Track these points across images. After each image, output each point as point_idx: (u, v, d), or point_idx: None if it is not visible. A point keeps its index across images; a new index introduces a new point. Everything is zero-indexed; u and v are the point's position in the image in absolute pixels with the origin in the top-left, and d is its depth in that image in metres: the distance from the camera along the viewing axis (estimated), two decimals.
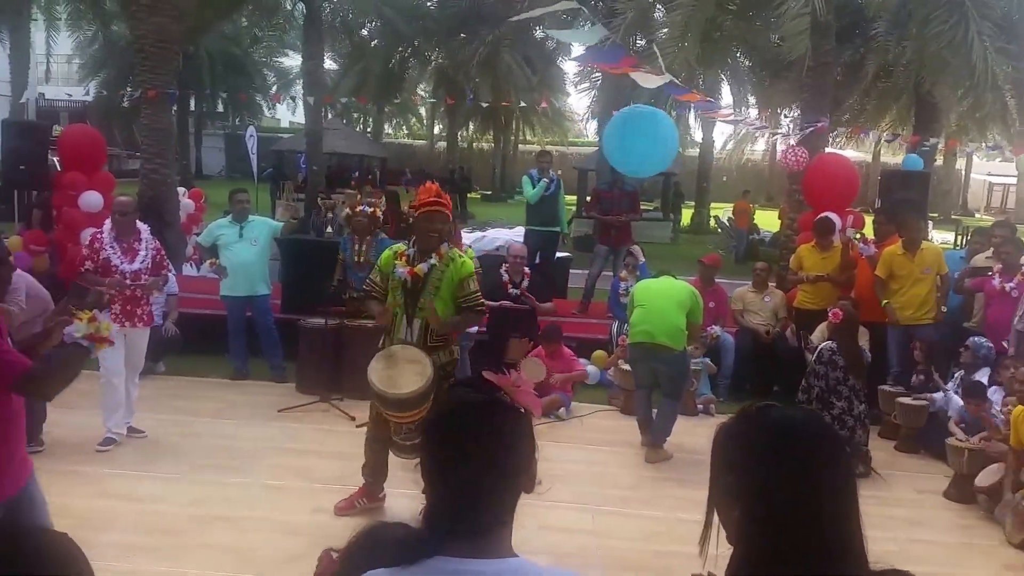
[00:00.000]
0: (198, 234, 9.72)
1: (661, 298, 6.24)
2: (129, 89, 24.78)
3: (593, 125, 27.79)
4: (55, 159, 9.94)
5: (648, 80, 8.74)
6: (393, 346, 4.75)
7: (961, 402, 6.42)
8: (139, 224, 6.09)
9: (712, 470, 1.40)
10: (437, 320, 4.73)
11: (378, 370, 4.59)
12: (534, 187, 9.67)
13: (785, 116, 21.23)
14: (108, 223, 6.12)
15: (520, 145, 38.68)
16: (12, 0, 20.25)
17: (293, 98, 24.21)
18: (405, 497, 4.85)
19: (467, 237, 11.04)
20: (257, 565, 4.30)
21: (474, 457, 1.32)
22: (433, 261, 4.77)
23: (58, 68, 29.83)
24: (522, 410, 1.37)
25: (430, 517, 1.35)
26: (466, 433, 1.34)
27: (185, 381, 7.28)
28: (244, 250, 7.53)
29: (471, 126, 36.07)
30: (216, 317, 7.81)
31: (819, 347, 6.21)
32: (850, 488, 1.31)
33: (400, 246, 4.97)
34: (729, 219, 21.48)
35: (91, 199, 8.68)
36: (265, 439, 6.24)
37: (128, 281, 5.88)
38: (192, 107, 31.10)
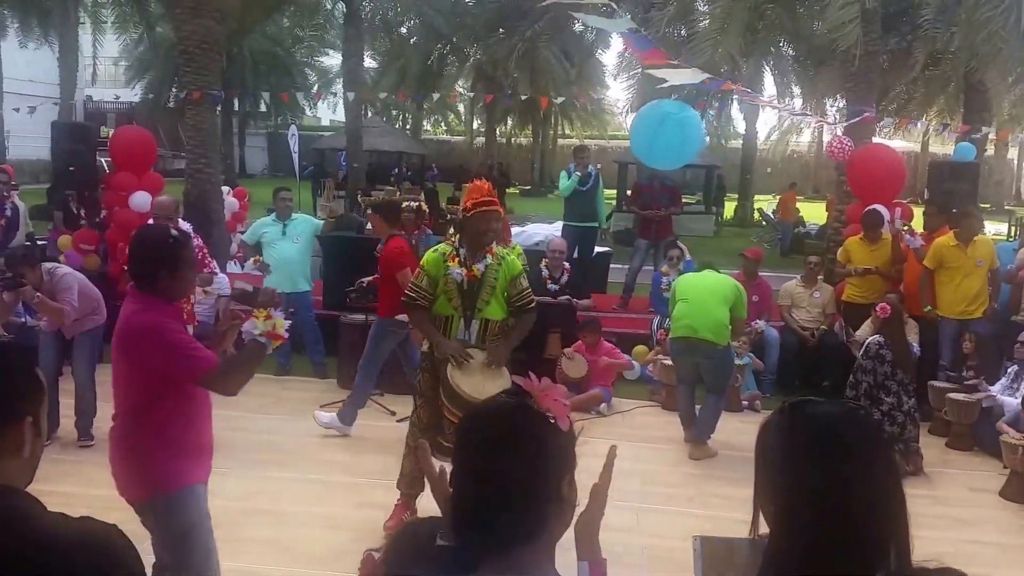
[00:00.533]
0: (243, 232, 9.86)
1: (704, 292, 6.17)
2: (174, 90, 25.32)
3: (632, 118, 27.60)
4: (103, 160, 10.16)
5: (676, 75, 8.63)
6: (468, 350, 4.57)
7: (1015, 402, 6.23)
8: (182, 224, 6.13)
9: (756, 467, 1.38)
10: (499, 354, 4.56)
11: (463, 379, 4.42)
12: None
13: (831, 106, 20.89)
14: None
15: (559, 140, 38.59)
16: (60, 4, 20.75)
17: (334, 93, 24.43)
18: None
19: None
20: (303, 559, 4.35)
21: (497, 464, 1.29)
22: (489, 260, 4.61)
23: (105, 70, 30.43)
24: (552, 419, 1.33)
25: (456, 524, 1.33)
26: (490, 438, 1.32)
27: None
28: (287, 247, 7.63)
29: (509, 121, 36.06)
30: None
31: (866, 342, 6.12)
32: (890, 487, 1.27)
33: (444, 247, 4.73)
34: (773, 211, 21.18)
35: (141, 199, 8.86)
36: (308, 434, 6.31)
37: None
38: (236, 107, 31.59)
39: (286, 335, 3.07)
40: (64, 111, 19.47)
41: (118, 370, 3.00)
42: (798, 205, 20.43)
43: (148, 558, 2.88)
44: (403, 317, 5.78)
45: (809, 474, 1.25)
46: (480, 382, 4.42)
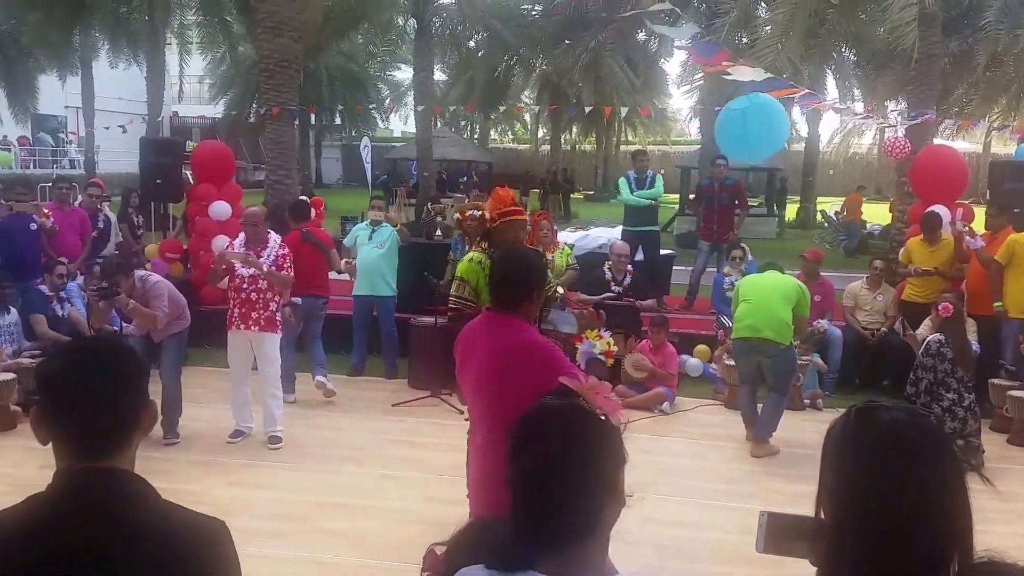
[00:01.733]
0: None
1: (766, 291, 6.17)
2: (255, 106, 26.19)
3: (696, 124, 27.51)
4: (188, 173, 10.62)
5: (744, 72, 8.75)
6: None
7: None
8: (272, 234, 6.27)
9: (821, 469, 1.38)
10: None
11: None
12: (632, 188, 9.68)
13: (892, 110, 20.64)
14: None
15: (622, 146, 38.58)
16: (148, 26, 21.72)
17: (405, 105, 24.87)
18: None
19: (571, 236, 11.17)
20: (373, 550, 4.53)
21: (552, 463, 1.32)
22: None
23: (190, 89, 31.72)
24: (602, 416, 1.37)
25: (513, 524, 1.35)
26: (545, 439, 1.35)
27: (308, 377, 7.68)
28: (370, 252, 7.95)
29: (574, 129, 36.23)
30: (340, 317, 8.18)
31: (927, 340, 6.09)
32: (956, 493, 1.26)
33: (476, 255, 4.70)
34: (836, 213, 20.91)
35: (220, 208, 9.25)
36: (380, 432, 6.55)
37: (245, 284, 6.06)
38: (312, 121, 32.46)
39: (615, 349, 3.23)
40: (152, 127, 20.34)
41: (498, 389, 2.96)
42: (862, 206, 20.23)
43: None
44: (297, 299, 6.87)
45: (875, 479, 1.25)
46: None
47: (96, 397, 1.42)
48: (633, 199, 9.66)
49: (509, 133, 45.87)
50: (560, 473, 1.31)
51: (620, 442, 1.38)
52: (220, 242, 9.22)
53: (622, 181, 9.88)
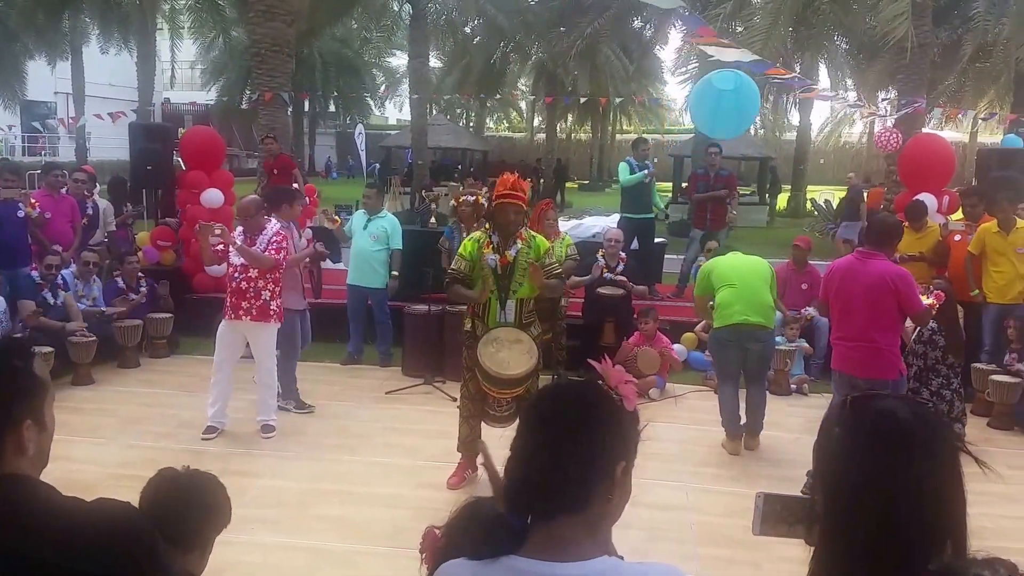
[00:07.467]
0: (311, 228, 10.16)
1: (748, 275, 5.95)
2: (247, 92, 26.08)
3: (689, 114, 27.67)
4: (179, 159, 10.51)
5: (725, 54, 8.79)
6: (494, 330, 5.01)
7: None
8: (270, 221, 6.09)
9: (814, 460, 1.37)
10: (539, 279, 4.94)
11: (490, 354, 4.88)
12: (632, 174, 9.69)
13: (882, 99, 20.83)
14: None
15: (617, 135, 38.58)
16: (139, 11, 21.55)
17: (400, 96, 24.84)
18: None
19: (565, 225, 11.15)
20: (365, 536, 4.54)
21: (557, 432, 1.32)
22: (519, 245, 5.02)
23: (182, 75, 31.51)
24: (618, 401, 1.37)
25: (509, 498, 1.35)
26: (556, 410, 1.36)
27: (303, 366, 7.67)
28: (362, 241, 7.89)
29: (570, 118, 36.21)
30: (333, 306, 8.14)
31: (919, 327, 6.12)
32: (952, 484, 1.25)
33: (479, 234, 5.17)
34: (826, 201, 21.10)
35: (212, 196, 9.19)
36: (374, 419, 6.55)
37: (236, 273, 5.94)
38: (306, 108, 32.33)
39: None
40: (143, 114, 20.23)
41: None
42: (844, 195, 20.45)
43: None
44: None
45: (871, 470, 1.24)
46: (505, 359, 4.86)
47: None
48: (635, 177, 9.63)
49: (505, 121, 45.80)
50: (561, 441, 1.31)
51: (632, 430, 1.38)
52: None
53: (623, 165, 9.87)
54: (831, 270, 5.32)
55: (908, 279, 5.01)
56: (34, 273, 7.47)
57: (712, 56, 8.99)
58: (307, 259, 6.73)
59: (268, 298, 6.00)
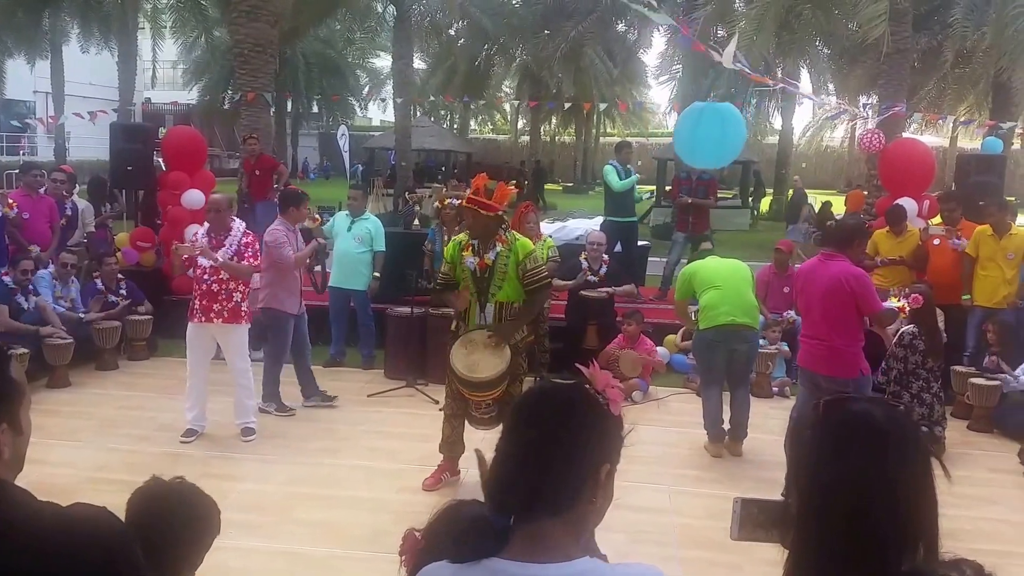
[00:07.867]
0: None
1: (731, 277, 6.03)
2: (230, 92, 25.91)
3: (673, 117, 27.90)
4: (160, 160, 10.41)
5: (725, 56, 8.96)
6: (471, 332, 5.01)
7: None
8: (235, 221, 6.07)
9: (788, 462, 1.38)
10: (504, 332, 4.95)
11: (461, 356, 4.91)
12: (620, 177, 9.72)
13: (864, 104, 21.14)
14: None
15: (601, 138, 38.69)
16: (119, 10, 21.36)
17: (383, 100, 24.76)
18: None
19: (548, 227, 11.17)
20: (345, 540, 4.51)
21: (541, 432, 1.33)
22: (499, 248, 5.00)
23: (164, 74, 31.30)
24: (605, 405, 1.37)
25: (492, 488, 1.37)
26: (542, 410, 1.37)
27: (285, 368, 7.62)
28: (345, 243, 7.84)
29: (554, 120, 36.26)
30: (315, 309, 8.06)
31: (900, 331, 6.20)
32: (924, 485, 1.26)
33: (462, 237, 5.20)
34: (809, 205, 21.45)
35: (193, 197, 9.10)
36: (356, 422, 6.51)
37: (206, 276, 5.88)
38: (289, 108, 32.14)
39: None
40: (123, 114, 20.00)
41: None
42: (830, 199, 20.69)
43: None
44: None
45: (844, 470, 1.25)
46: (476, 361, 4.87)
47: None
48: (627, 182, 9.67)
49: (489, 123, 45.77)
50: (546, 442, 1.31)
51: (616, 434, 1.38)
52: (193, 231, 9.12)
53: (609, 168, 9.88)
54: (798, 272, 5.52)
55: (863, 279, 5.07)
56: (6, 278, 7.34)
57: (718, 76, 9.17)
58: (309, 258, 6.80)
59: (239, 300, 6.00)
